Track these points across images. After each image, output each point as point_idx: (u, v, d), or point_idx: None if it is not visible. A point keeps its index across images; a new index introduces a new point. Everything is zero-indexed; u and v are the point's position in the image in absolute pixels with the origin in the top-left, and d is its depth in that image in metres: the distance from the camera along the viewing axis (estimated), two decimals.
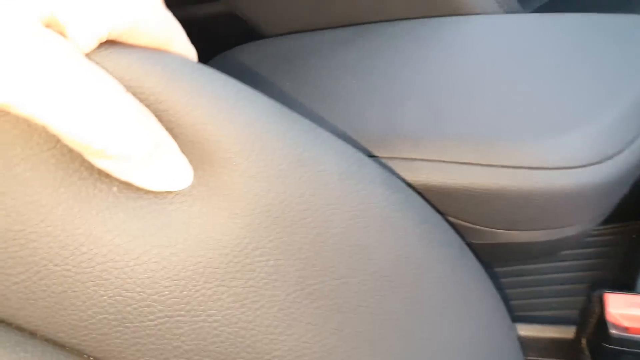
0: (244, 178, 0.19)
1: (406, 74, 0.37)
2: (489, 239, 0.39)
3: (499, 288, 0.37)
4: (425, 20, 0.44)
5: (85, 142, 0.15)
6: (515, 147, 0.32)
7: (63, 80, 0.14)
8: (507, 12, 0.46)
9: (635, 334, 0.41)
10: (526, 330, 0.48)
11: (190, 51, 0.21)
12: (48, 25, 0.15)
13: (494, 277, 0.39)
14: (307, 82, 0.40)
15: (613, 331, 0.41)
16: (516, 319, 0.49)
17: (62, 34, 0.15)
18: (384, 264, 0.24)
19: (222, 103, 0.19)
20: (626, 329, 0.41)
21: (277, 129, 0.20)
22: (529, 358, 0.49)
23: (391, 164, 0.32)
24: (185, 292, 0.19)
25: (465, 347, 0.29)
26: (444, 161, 0.32)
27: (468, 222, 0.37)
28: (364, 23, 0.48)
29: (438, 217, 0.28)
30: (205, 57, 0.21)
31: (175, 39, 0.19)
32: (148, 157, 0.17)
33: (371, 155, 0.33)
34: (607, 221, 0.42)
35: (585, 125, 0.32)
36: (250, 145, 0.19)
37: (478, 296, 0.31)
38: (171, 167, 0.18)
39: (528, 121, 0.33)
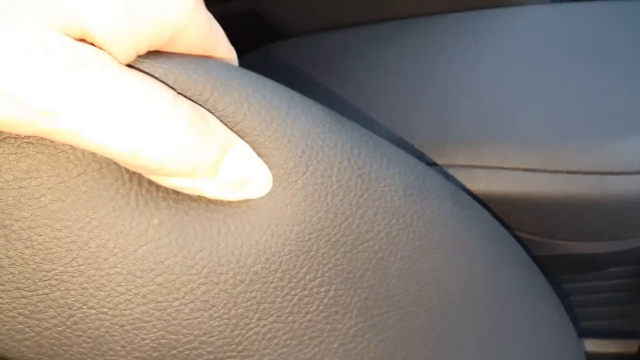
0: (299, 197, 0.17)
1: (455, 72, 0.34)
2: (549, 251, 0.35)
3: (558, 295, 0.34)
4: (470, 13, 0.41)
5: (142, 163, 0.13)
6: (585, 151, 0.29)
7: (105, 94, 0.12)
8: (558, 1, 0.43)
9: None
10: (586, 346, 0.45)
11: (232, 54, 0.18)
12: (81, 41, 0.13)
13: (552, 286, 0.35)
14: (345, 84, 0.37)
15: None
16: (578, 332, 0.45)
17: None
18: (452, 289, 0.21)
19: (273, 112, 0.16)
20: None
21: (335, 140, 0.18)
22: None
23: (448, 172, 0.29)
24: (237, 332, 0.16)
25: None
26: (505, 168, 0.29)
27: (527, 234, 0.34)
28: (399, 18, 0.45)
29: (506, 232, 0.25)
30: None
31: (217, 44, 0.17)
32: (216, 166, 0.15)
33: (427, 164, 0.30)
34: None
35: None
36: (306, 160, 0.17)
37: (547, 316, 0.28)
38: (246, 172, 0.16)
39: (598, 121, 0.29)
